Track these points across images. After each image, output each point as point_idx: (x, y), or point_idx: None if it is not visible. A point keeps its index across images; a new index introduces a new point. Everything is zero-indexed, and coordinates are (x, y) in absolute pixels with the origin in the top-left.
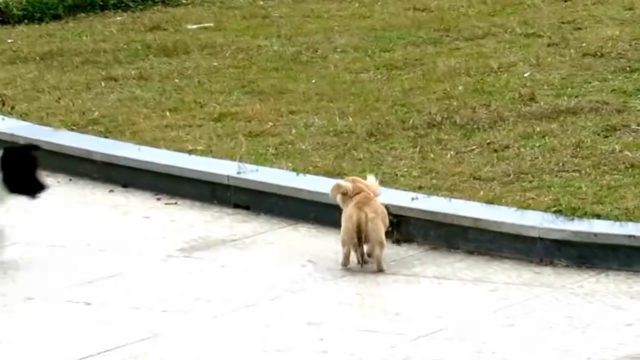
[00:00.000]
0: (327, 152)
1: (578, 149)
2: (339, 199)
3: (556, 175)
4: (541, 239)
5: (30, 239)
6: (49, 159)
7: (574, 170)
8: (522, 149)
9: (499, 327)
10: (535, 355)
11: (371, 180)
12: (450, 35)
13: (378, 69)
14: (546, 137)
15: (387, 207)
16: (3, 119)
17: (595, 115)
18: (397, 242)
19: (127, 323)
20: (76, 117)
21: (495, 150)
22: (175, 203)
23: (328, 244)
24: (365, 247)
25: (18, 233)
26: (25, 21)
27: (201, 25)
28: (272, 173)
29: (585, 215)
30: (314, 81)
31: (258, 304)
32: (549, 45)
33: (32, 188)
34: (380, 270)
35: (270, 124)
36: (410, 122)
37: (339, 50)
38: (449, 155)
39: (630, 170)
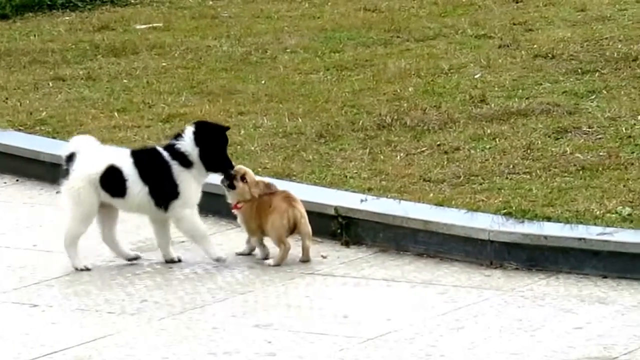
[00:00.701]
0: (276, 154)
1: (529, 151)
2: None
3: (506, 178)
4: (491, 241)
5: None
6: None
7: (524, 173)
8: (472, 151)
9: (448, 330)
10: (484, 358)
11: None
12: (401, 36)
13: (328, 69)
14: (497, 139)
15: (336, 208)
16: None
17: (546, 117)
18: (346, 244)
19: (73, 325)
20: (24, 118)
21: (446, 152)
22: None
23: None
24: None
25: None
26: None
27: (150, 25)
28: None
29: (535, 217)
30: (263, 82)
31: (206, 306)
32: (500, 47)
33: (224, 165)
34: (308, 260)
35: None
36: (360, 123)
37: (288, 50)
38: (398, 157)
39: (581, 172)
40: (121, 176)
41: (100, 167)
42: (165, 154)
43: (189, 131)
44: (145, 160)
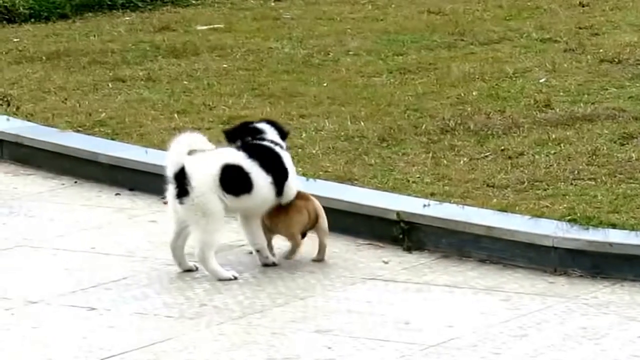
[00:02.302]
0: (337, 157)
1: (594, 156)
2: None
3: (571, 184)
4: (555, 248)
5: (34, 241)
6: (54, 160)
7: (589, 179)
8: (536, 156)
9: (512, 338)
10: None
11: None
12: (465, 40)
13: (391, 72)
14: (561, 145)
15: (398, 213)
16: (8, 119)
17: (611, 122)
18: (408, 249)
19: (131, 329)
20: (82, 119)
21: (510, 157)
22: None
23: (338, 251)
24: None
25: (22, 235)
26: (32, 20)
27: (211, 26)
28: None
29: (600, 224)
30: (325, 84)
31: (265, 311)
32: (565, 51)
33: None
34: (323, 259)
35: None
36: (423, 127)
37: (351, 53)
38: (462, 162)
39: None
40: (243, 172)
41: (217, 169)
42: (268, 144)
43: (264, 126)
44: (257, 152)
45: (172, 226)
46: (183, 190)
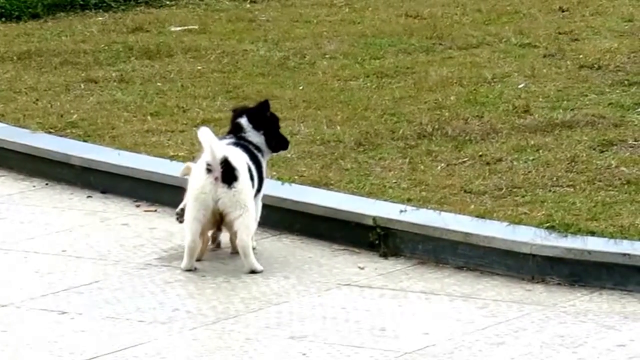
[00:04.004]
0: (313, 161)
1: (573, 163)
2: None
3: (550, 190)
4: (533, 255)
5: (4, 244)
6: (25, 162)
7: (568, 186)
8: (515, 163)
9: (488, 345)
10: None
11: None
12: (443, 44)
13: (368, 76)
14: (540, 151)
15: (374, 219)
16: None
17: (591, 129)
18: (384, 255)
19: (103, 333)
20: (54, 120)
21: (488, 163)
22: (155, 210)
23: (313, 256)
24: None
25: None
26: (2, 19)
27: (185, 27)
28: None
29: (579, 231)
30: (301, 88)
31: (240, 316)
32: (544, 56)
33: (284, 143)
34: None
35: None
36: (400, 132)
37: (327, 56)
38: (439, 167)
39: (626, 186)
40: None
41: (246, 162)
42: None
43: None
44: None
45: (197, 223)
46: (230, 176)
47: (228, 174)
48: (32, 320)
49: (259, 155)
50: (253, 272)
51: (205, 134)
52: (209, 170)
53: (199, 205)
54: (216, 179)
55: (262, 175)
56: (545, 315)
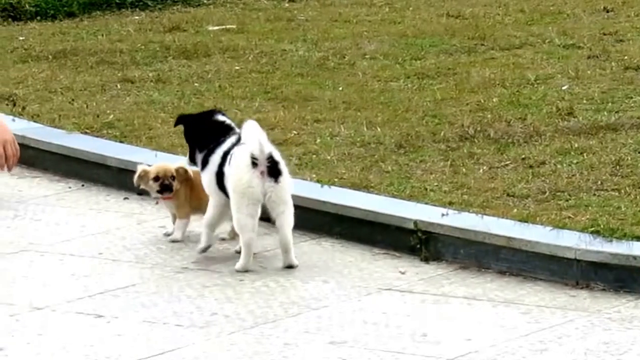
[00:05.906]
0: (353, 164)
1: (618, 167)
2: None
3: (594, 194)
4: (577, 260)
5: (40, 246)
6: (60, 163)
7: (613, 189)
8: (558, 166)
9: (532, 352)
10: None
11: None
12: (485, 44)
13: (408, 77)
14: (584, 154)
15: (415, 222)
16: (13, 120)
17: (636, 131)
18: (426, 259)
19: (140, 337)
20: (90, 120)
21: (531, 166)
22: None
23: (353, 260)
24: None
25: (27, 240)
26: (38, 18)
27: (223, 26)
28: (295, 184)
29: (624, 236)
30: (340, 89)
31: (278, 321)
32: (589, 57)
33: None
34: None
35: (294, 132)
36: (442, 134)
37: (367, 56)
38: (481, 170)
39: None
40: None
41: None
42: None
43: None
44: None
45: (251, 219)
46: (276, 171)
47: (273, 168)
48: (68, 324)
49: None
50: (290, 266)
51: (252, 127)
52: (254, 164)
53: (248, 200)
54: (262, 173)
55: None
56: (590, 322)
